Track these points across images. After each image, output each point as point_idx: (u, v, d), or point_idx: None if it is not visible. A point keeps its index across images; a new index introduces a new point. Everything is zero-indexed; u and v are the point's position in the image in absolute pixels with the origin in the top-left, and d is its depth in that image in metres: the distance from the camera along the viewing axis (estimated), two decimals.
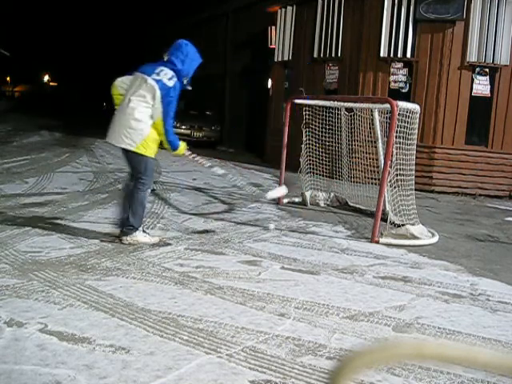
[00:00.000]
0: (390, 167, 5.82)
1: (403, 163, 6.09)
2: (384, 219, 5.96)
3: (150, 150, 4.63)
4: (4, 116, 23.44)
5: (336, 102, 7.31)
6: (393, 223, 5.96)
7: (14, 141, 13.07)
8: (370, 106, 7.04)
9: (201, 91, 20.13)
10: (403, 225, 5.82)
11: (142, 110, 4.54)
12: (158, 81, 4.55)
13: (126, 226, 4.68)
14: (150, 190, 4.89)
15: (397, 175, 5.99)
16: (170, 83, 4.58)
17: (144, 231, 4.82)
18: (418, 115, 6.38)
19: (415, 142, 6.39)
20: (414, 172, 6.32)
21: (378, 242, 5.45)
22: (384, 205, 6.14)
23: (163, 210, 6.29)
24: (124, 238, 4.70)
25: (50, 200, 6.32)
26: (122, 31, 32.00)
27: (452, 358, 0.86)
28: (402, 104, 5.99)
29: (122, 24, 32.40)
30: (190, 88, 4.81)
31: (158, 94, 4.53)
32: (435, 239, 5.77)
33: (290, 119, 7.46)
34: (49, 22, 44.14)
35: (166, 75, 4.59)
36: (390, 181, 5.93)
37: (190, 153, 4.95)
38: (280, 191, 6.27)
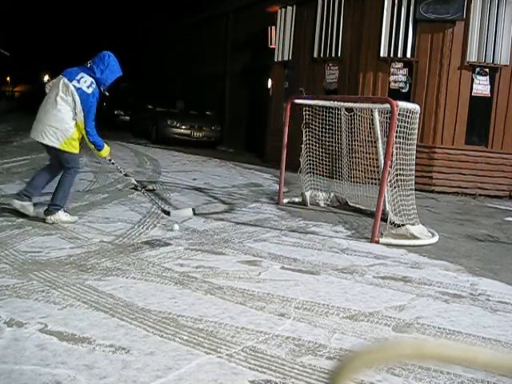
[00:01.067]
0: (390, 167, 5.82)
1: (403, 163, 6.09)
2: (384, 219, 5.96)
3: (72, 147, 5.14)
4: (4, 116, 23.45)
5: (336, 102, 7.30)
6: (393, 223, 5.96)
7: (14, 141, 13.07)
8: (370, 106, 7.04)
9: (201, 91, 20.19)
10: (403, 225, 5.82)
11: (66, 113, 5.04)
12: (78, 88, 5.06)
13: (52, 206, 5.21)
14: (76, 175, 5.48)
15: (397, 175, 5.99)
16: (89, 90, 5.09)
17: (65, 211, 5.33)
18: (418, 115, 6.38)
19: (415, 142, 6.39)
20: (414, 172, 6.32)
21: (378, 242, 5.45)
22: (384, 205, 6.14)
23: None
24: (48, 217, 5.17)
25: None
26: (122, 31, 32.00)
27: (452, 358, 0.86)
28: (402, 104, 5.99)
29: (122, 24, 32.41)
30: (107, 94, 5.37)
31: (78, 100, 5.04)
32: (435, 239, 5.77)
33: (290, 119, 7.46)
34: (49, 22, 44.14)
35: (86, 82, 5.09)
36: (390, 181, 5.93)
37: (110, 158, 5.53)
38: (185, 213, 5.55)
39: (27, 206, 5.27)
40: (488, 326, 3.38)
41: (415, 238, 5.63)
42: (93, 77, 5.12)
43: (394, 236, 5.63)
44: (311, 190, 7.61)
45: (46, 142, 5.07)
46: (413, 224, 5.86)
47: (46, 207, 5.27)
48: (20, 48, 43.65)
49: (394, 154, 5.94)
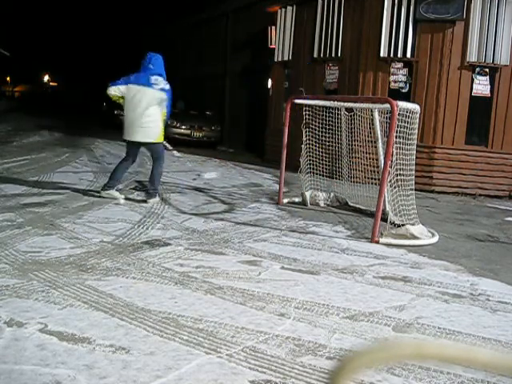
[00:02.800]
0: (390, 167, 5.82)
1: (403, 163, 6.09)
2: (384, 219, 5.96)
3: (162, 138, 6.76)
4: (4, 116, 23.45)
5: (336, 102, 7.31)
6: (393, 223, 5.96)
7: (14, 141, 13.07)
8: (370, 106, 7.04)
9: (201, 91, 20.18)
10: (403, 225, 5.82)
11: (157, 114, 6.47)
12: (162, 89, 6.42)
13: (153, 190, 6.65)
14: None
15: (397, 175, 5.99)
16: (167, 87, 6.49)
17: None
18: (418, 115, 6.38)
19: (415, 142, 6.40)
20: (414, 172, 6.32)
21: (378, 242, 5.45)
22: (384, 205, 6.14)
23: (163, 210, 6.30)
24: (151, 200, 6.54)
25: (50, 200, 6.32)
26: (122, 31, 31.99)
27: (452, 358, 0.86)
28: (402, 104, 5.99)
29: (122, 24, 32.39)
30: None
31: (165, 97, 6.46)
32: (435, 239, 5.77)
33: (290, 119, 7.47)
34: (49, 22, 44.12)
35: (162, 82, 6.45)
36: (390, 181, 5.93)
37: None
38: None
39: (112, 193, 6.57)
40: (488, 325, 3.38)
41: (415, 237, 5.63)
42: (162, 76, 6.47)
43: (394, 236, 5.63)
44: (311, 189, 7.61)
45: (147, 140, 6.47)
46: (413, 224, 5.86)
47: (145, 191, 6.88)
48: (20, 48, 43.63)
49: (394, 153, 5.94)
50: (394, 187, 6.00)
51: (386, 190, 5.97)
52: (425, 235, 5.80)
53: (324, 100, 7.90)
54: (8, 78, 48.10)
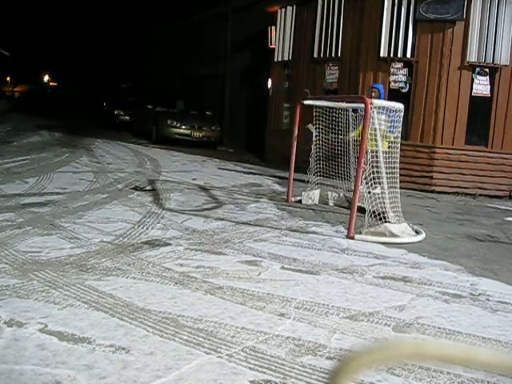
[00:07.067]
0: (365, 164, 5.90)
1: (387, 161, 6.18)
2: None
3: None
4: (4, 116, 23.45)
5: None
6: (376, 217, 5.96)
7: (14, 141, 13.06)
8: (345, 105, 7.27)
9: (201, 91, 20.18)
10: (385, 222, 5.83)
11: None
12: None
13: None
14: None
15: (378, 172, 6.07)
16: None
17: None
18: (401, 113, 6.46)
19: (399, 140, 6.49)
20: (398, 170, 6.38)
21: (353, 238, 5.50)
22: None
23: (163, 210, 6.29)
24: None
25: (50, 200, 6.32)
26: (122, 31, 31.99)
27: (452, 358, 0.86)
28: (378, 102, 6.11)
29: (122, 24, 32.40)
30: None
31: None
32: (419, 238, 5.77)
33: (300, 120, 7.65)
34: (49, 21, 44.13)
35: None
36: (366, 178, 6.03)
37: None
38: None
39: None
40: (488, 325, 3.38)
41: (394, 236, 5.64)
42: None
43: (373, 233, 5.65)
44: (319, 189, 7.73)
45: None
46: (395, 222, 5.89)
47: None
48: (20, 48, 43.62)
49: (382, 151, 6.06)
50: (371, 184, 6.09)
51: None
52: (407, 234, 5.80)
53: (316, 100, 8.08)
54: (8, 78, 48.08)
